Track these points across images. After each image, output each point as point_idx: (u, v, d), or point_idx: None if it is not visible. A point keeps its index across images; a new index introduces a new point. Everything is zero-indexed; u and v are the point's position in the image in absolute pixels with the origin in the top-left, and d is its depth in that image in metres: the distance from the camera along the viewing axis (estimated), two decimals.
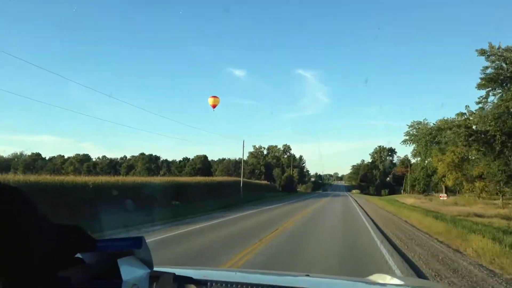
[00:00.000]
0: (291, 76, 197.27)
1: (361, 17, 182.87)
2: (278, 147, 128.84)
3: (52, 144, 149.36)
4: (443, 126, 31.04)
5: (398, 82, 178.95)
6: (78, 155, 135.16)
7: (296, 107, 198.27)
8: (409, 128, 38.48)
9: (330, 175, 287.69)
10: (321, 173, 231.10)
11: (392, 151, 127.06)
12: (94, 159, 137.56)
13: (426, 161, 38.34)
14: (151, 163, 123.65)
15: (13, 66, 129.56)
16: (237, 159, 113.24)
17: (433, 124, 36.46)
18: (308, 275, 2.22)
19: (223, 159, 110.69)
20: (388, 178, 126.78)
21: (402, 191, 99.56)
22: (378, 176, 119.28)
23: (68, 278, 1.01)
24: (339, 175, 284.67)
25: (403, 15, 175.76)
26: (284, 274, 3.17)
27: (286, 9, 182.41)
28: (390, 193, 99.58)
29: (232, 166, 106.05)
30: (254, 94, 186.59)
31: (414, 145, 39.00)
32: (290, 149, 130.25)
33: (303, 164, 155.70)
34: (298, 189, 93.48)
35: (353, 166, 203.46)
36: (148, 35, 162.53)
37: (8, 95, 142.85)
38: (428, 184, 44.32)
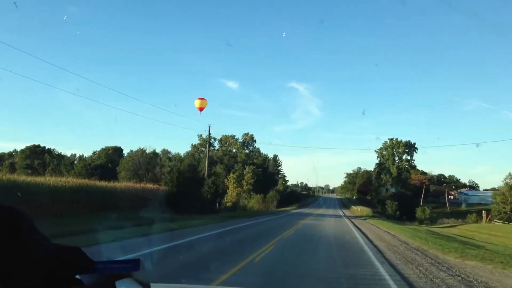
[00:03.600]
0: (283, 88, 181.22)
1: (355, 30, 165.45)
2: (236, 137, 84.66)
3: None
4: None
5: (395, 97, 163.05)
6: None
7: (287, 120, 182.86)
8: None
9: (321, 188, 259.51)
10: (308, 184, 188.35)
11: (410, 147, 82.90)
12: None
13: None
14: (35, 158, 78.46)
15: None
16: (155, 150, 68.06)
17: None
18: None
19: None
20: (396, 188, 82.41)
21: (491, 220, 53.72)
22: (389, 184, 76.05)
23: None
24: (331, 188, 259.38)
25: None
26: None
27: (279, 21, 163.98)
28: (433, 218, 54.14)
29: (144, 163, 61.21)
30: (246, 105, 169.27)
31: None
32: (254, 141, 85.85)
33: (279, 167, 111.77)
34: (245, 204, 48.36)
35: (348, 174, 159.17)
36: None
37: None
38: None
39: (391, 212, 54.21)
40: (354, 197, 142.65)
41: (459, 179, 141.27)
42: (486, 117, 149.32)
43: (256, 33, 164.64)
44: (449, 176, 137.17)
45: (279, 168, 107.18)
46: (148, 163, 61.77)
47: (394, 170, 78.25)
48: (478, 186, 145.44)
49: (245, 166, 55.56)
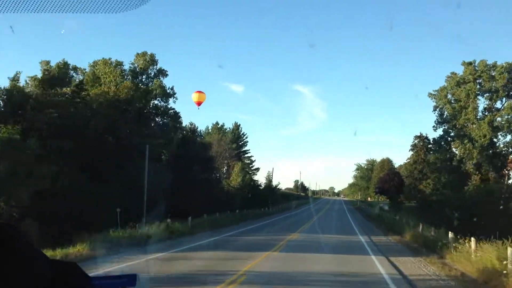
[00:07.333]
0: (287, 91, 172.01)
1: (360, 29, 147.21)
2: (122, 61, 37.19)
3: None
4: None
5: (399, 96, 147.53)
6: None
7: (291, 122, 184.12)
8: None
9: (326, 190, 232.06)
10: (304, 182, 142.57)
11: None
12: None
13: None
14: None
15: None
16: None
17: None
18: None
19: None
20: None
21: None
22: (472, 162, 29.48)
23: None
24: (336, 191, 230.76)
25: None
26: None
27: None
28: None
29: None
30: (251, 108, 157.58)
31: None
32: (164, 73, 38.80)
33: (242, 143, 66.55)
34: None
35: (359, 166, 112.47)
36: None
37: None
38: None
39: None
40: (371, 198, 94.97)
41: None
42: None
43: (260, 35, 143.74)
44: None
45: (244, 147, 60.80)
46: None
47: (482, 131, 31.35)
48: None
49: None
